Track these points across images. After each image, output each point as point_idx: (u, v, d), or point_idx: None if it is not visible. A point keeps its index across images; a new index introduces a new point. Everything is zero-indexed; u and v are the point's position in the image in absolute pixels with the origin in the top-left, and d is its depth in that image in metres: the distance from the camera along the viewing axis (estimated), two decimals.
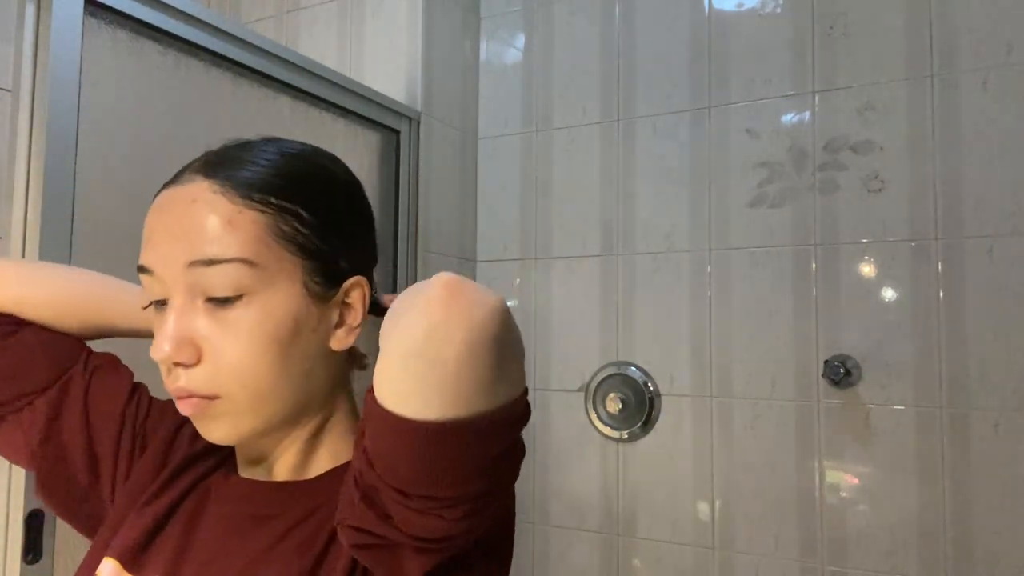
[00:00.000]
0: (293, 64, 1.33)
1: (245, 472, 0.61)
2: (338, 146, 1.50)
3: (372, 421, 0.44)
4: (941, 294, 1.41)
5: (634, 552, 1.63)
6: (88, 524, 0.64)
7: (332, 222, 0.56)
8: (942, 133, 1.43)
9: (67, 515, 0.65)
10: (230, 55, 1.20)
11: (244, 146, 0.57)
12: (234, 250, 0.51)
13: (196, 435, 0.62)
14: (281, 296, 0.52)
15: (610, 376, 1.68)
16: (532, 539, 1.74)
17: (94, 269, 0.69)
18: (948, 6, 1.44)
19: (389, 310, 0.45)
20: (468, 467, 0.42)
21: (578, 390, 1.72)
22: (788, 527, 1.49)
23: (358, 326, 0.57)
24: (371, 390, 0.44)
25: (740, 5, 1.62)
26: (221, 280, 0.51)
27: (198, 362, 0.52)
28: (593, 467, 1.69)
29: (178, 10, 1.10)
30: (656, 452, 1.63)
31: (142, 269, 0.54)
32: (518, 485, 0.49)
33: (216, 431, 0.54)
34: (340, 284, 0.56)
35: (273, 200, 0.53)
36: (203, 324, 0.52)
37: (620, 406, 1.63)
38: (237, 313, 0.51)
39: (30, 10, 0.93)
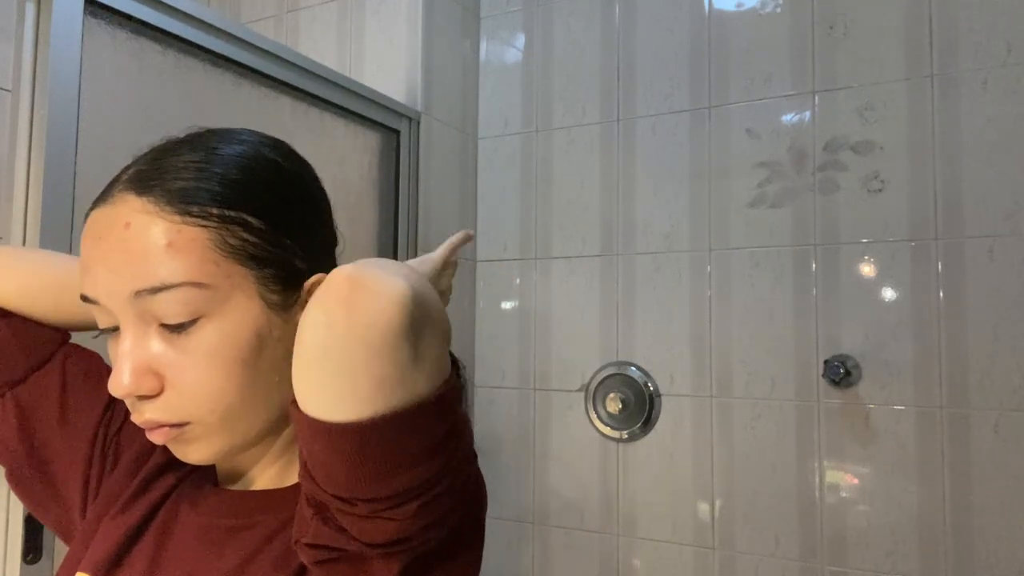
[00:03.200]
0: (293, 64, 1.33)
1: (224, 481, 0.59)
2: (338, 146, 1.50)
3: (299, 429, 0.42)
4: (941, 294, 1.41)
5: (634, 552, 1.63)
6: (58, 524, 0.63)
7: (282, 222, 0.51)
8: (942, 133, 1.43)
9: (37, 510, 0.63)
10: (230, 55, 1.20)
11: (174, 149, 0.52)
12: (179, 274, 0.47)
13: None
14: (238, 313, 0.49)
15: (610, 376, 1.68)
16: (532, 539, 1.74)
17: None
18: (948, 6, 1.44)
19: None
20: (400, 462, 0.40)
21: (578, 390, 1.72)
22: (788, 527, 1.49)
23: None
24: (294, 399, 0.42)
25: (740, 5, 1.62)
26: (172, 306, 0.47)
27: (161, 391, 0.49)
28: (593, 467, 1.69)
29: (178, 10, 1.09)
30: (656, 452, 1.63)
31: (86, 299, 0.50)
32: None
33: (192, 454, 0.51)
34: (300, 285, 0.52)
35: (214, 211, 0.48)
36: (161, 351, 0.48)
37: (620, 406, 1.63)
38: (195, 338, 0.48)
39: (30, 10, 0.93)
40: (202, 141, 0.53)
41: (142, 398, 0.49)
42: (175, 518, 0.57)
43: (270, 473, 0.56)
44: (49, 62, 0.93)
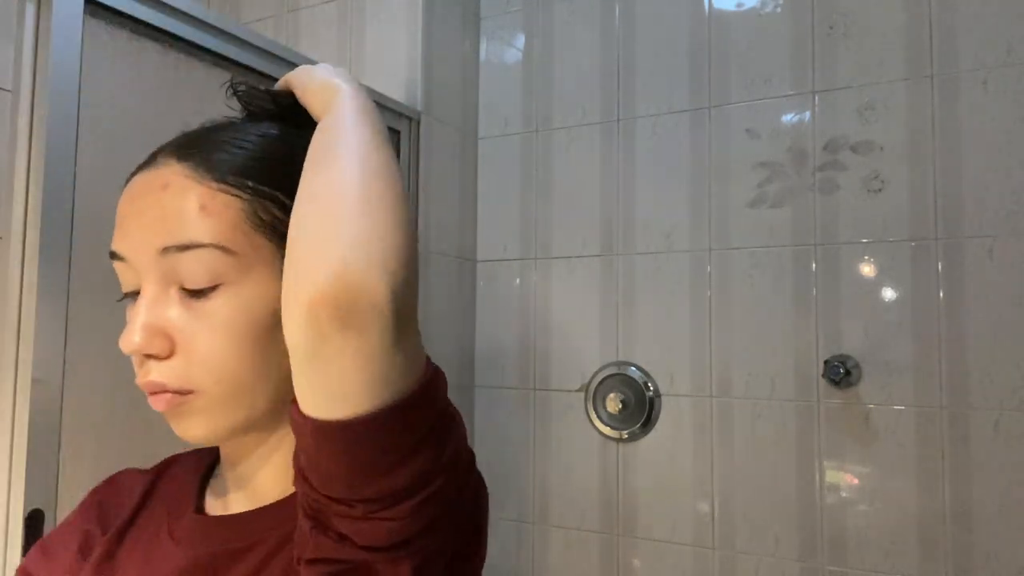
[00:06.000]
0: (293, 64, 1.33)
1: (218, 499, 0.56)
2: None
3: (297, 430, 0.42)
4: (941, 294, 1.41)
5: (634, 552, 1.63)
6: None
7: None
8: (942, 133, 1.43)
9: None
10: (230, 55, 1.20)
11: (221, 127, 0.54)
12: (209, 236, 0.48)
13: (145, 489, 0.59)
14: (259, 287, 0.49)
15: (610, 376, 1.68)
16: (532, 539, 1.74)
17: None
18: (948, 6, 1.44)
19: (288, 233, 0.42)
20: (393, 456, 0.40)
21: (578, 390, 1.72)
22: (788, 527, 1.49)
23: None
24: (294, 399, 0.42)
25: (740, 5, 1.62)
26: (196, 267, 0.48)
27: (171, 355, 0.48)
28: (593, 467, 1.69)
29: (178, 10, 1.09)
30: (656, 452, 1.63)
31: (114, 255, 0.51)
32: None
33: (191, 429, 0.50)
34: None
35: (250, 184, 0.50)
36: (176, 314, 0.48)
37: (620, 406, 1.63)
38: (213, 304, 0.48)
39: (30, 10, 0.93)
40: (248, 124, 0.55)
41: (150, 357, 0.49)
42: (156, 554, 0.54)
43: (278, 476, 0.54)
44: (49, 62, 0.93)
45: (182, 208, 0.48)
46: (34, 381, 0.90)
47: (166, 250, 0.48)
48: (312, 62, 1.38)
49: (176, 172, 0.49)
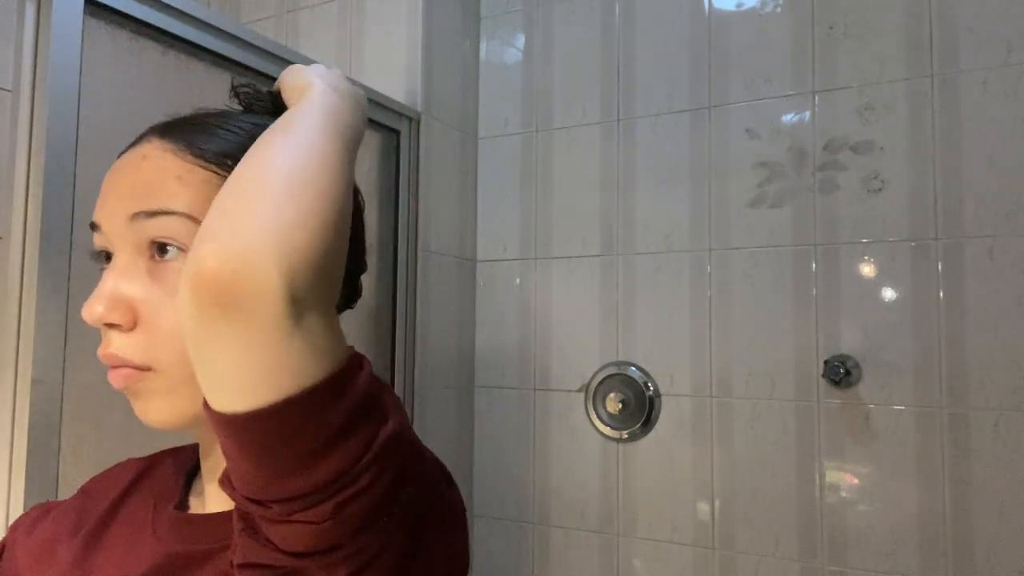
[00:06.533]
0: (293, 64, 1.33)
1: (199, 496, 0.55)
2: None
3: (212, 426, 0.39)
4: (941, 294, 1.41)
5: (634, 552, 1.63)
6: None
7: None
8: (942, 133, 1.43)
9: None
10: (230, 55, 1.20)
11: (211, 113, 0.54)
12: (182, 204, 0.47)
13: (133, 477, 0.59)
14: None
15: (610, 376, 1.68)
16: (532, 539, 1.74)
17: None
18: (948, 6, 1.44)
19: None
20: (303, 452, 0.37)
21: (578, 390, 1.72)
22: (788, 527, 1.49)
23: None
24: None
25: (740, 5, 1.62)
26: (163, 235, 0.47)
27: (133, 327, 0.47)
28: (593, 467, 1.69)
29: (178, 10, 1.10)
30: (656, 452, 1.63)
31: (92, 226, 0.51)
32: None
33: (151, 412, 0.49)
34: None
35: (229, 163, 0.49)
36: (143, 288, 0.48)
37: (620, 406, 1.63)
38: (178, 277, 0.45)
39: (30, 10, 0.93)
40: (246, 116, 0.54)
41: (112, 327, 0.48)
42: (136, 549, 0.53)
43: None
44: (49, 62, 0.93)
45: (156, 177, 0.48)
46: (34, 381, 0.90)
47: (135, 216, 0.48)
48: (312, 62, 1.38)
49: (156, 146, 0.50)
